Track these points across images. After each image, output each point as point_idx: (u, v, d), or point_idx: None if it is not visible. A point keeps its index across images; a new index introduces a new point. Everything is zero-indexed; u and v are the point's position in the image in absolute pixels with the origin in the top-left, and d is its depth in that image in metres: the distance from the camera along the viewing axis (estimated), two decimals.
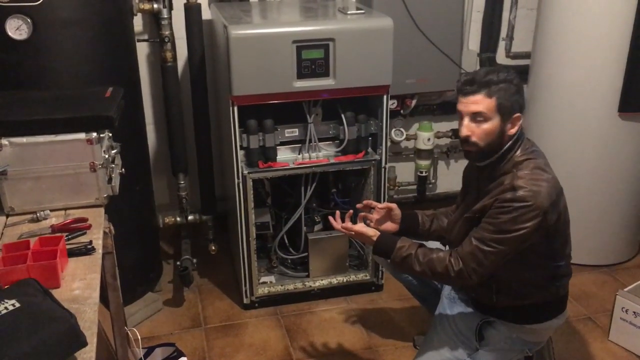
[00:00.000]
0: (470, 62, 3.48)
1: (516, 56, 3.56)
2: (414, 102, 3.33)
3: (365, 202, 2.27)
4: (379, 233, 2.07)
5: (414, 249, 1.96)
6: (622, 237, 3.13)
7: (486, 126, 1.86)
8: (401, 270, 2.04)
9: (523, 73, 3.26)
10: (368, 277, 2.91)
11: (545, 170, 1.88)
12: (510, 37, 3.51)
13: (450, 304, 2.13)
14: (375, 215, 2.22)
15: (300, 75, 2.43)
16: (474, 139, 1.87)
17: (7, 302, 1.26)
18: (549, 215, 1.82)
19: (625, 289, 2.58)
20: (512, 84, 1.85)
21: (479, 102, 1.84)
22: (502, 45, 3.54)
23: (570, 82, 2.88)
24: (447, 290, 2.18)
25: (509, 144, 1.89)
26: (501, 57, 3.56)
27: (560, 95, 2.93)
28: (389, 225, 2.21)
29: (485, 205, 1.88)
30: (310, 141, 2.62)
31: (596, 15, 2.74)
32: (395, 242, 1.99)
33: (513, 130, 1.89)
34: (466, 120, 1.87)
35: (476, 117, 1.86)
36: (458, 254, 1.89)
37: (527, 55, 3.30)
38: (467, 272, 1.87)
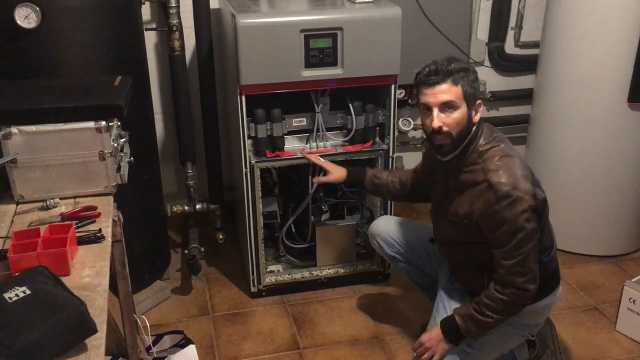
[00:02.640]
0: (479, 52, 3.46)
1: (525, 45, 3.54)
2: None
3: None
4: None
5: (472, 307, 1.95)
6: (630, 227, 3.12)
7: (456, 115, 1.86)
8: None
9: (532, 62, 3.26)
10: (375, 267, 2.91)
11: (511, 155, 1.89)
12: (519, 27, 3.49)
13: (447, 295, 2.14)
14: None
15: (308, 65, 2.43)
16: (445, 129, 1.87)
17: (17, 289, 1.27)
18: (537, 194, 1.85)
19: (633, 280, 2.58)
20: (470, 72, 1.87)
21: (447, 91, 1.84)
22: (511, 34, 3.52)
23: (579, 71, 2.86)
24: (443, 281, 2.19)
25: (471, 133, 1.90)
26: (510, 47, 3.55)
27: (570, 85, 2.92)
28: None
29: (472, 212, 1.89)
30: (317, 131, 2.62)
31: (606, 4, 2.72)
32: (459, 323, 1.97)
33: (477, 118, 1.91)
34: (436, 111, 1.86)
35: (446, 106, 1.86)
36: (498, 281, 1.89)
37: (536, 45, 3.28)
38: (520, 287, 1.87)
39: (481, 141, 1.91)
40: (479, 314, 1.93)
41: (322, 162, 2.49)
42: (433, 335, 2.02)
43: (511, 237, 1.83)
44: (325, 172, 2.48)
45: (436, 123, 1.86)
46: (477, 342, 2.01)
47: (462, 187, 1.93)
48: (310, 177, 2.73)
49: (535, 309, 2.01)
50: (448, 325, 2.00)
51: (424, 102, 1.89)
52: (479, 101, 1.91)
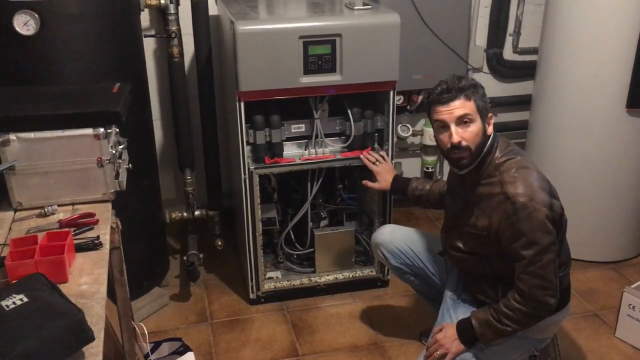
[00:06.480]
0: (477, 58, 3.47)
1: (523, 52, 3.55)
2: (420, 98, 3.33)
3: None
4: None
5: (490, 314, 1.95)
6: (629, 233, 3.12)
7: (472, 128, 1.90)
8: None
9: (530, 69, 3.27)
10: (374, 273, 2.91)
11: (528, 167, 1.91)
12: (517, 33, 3.50)
13: (453, 304, 2.13)
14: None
15: (307, 71, 2.43)
16: (464, 143, 1.90)
17: (15, 297, 1.26)
18: (554, 205, 1.86)
19: (632, 286, 2.57)
20: (479, 87, 1.92)
21: (462, 106, 1.89)
22: (509, 40, 3.53)
23: (577, 77, 2.87)
24: (450, 291, 2.18)
25: (486, 146, 1.92)
26: (508, 53, 3.55)
27: (568, 91, 2.92)
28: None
29: (491, 224, 1.89)
30: (316, 137, 2.62)
31: (604, 10, 2.72)
32: (475, 326, 1.97)
33: (490, 130, 1.95)
34: (453, 127, 1.90)
35: (462, 120, 1.90)
36: (519, 293, 1.89)
37: (534, 51, 3.29)
38: (540, 300, 1.87)
39: (497, 154, 1.93)
40: (497, 321, 1.93)
41: (374, 168, 2.59)
42: (449, 333, 2.01)
43: (529, 250, 1.83)
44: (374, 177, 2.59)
45: (455, 138, 1.89)
46: (483, 354, 2.00)
47: (480, 200, 1.94)
48: (309, 184, 2.74)
49: (545, 323, 1.99)
50: (464, 327, 2.00)
51: (440, 119, 1.92)
52: (490, 114, 1.95)
